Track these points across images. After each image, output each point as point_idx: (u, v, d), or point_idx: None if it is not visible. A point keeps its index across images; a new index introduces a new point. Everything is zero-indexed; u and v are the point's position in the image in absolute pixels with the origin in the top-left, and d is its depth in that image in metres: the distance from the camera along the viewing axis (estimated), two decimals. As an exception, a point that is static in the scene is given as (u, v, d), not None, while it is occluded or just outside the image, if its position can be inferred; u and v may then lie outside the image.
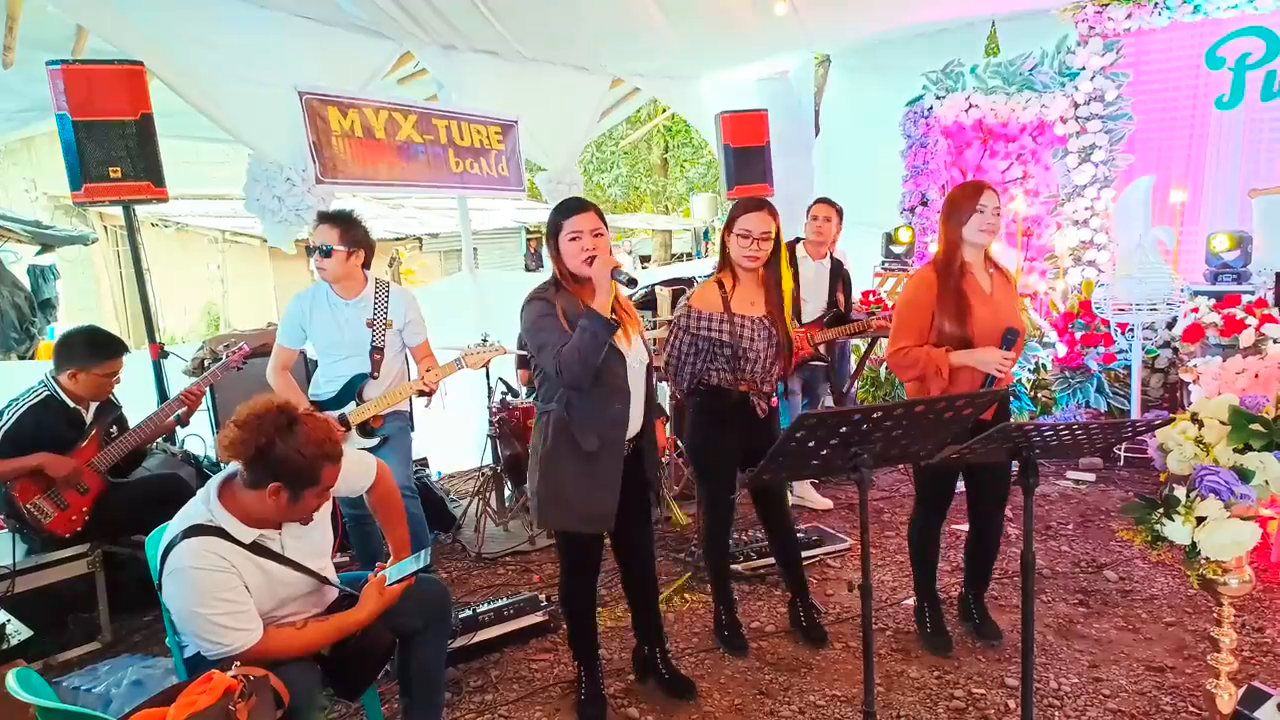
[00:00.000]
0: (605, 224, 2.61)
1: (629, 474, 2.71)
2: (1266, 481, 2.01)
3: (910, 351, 2.95)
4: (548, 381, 2.65)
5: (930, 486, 3.16)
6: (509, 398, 4.88)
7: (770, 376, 3.13)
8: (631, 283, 2.54)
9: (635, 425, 2.72)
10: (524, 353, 5.08)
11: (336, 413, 3.36)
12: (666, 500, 4.63)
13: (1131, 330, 5.13)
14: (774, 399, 3.20)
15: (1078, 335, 5.51)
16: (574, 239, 2.53)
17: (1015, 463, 2.16)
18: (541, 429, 2.69)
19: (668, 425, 2.78)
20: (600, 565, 2.87)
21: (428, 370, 3.45)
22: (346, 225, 3.34)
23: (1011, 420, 2.98)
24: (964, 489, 3.23)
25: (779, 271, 3.06)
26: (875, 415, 1.94)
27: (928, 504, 3.19)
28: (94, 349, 3.47)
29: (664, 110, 9.91)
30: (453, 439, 5.42)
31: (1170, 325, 5.29)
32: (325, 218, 3.37)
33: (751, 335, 3.02)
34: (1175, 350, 5.32)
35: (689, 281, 5.44)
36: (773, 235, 2.99)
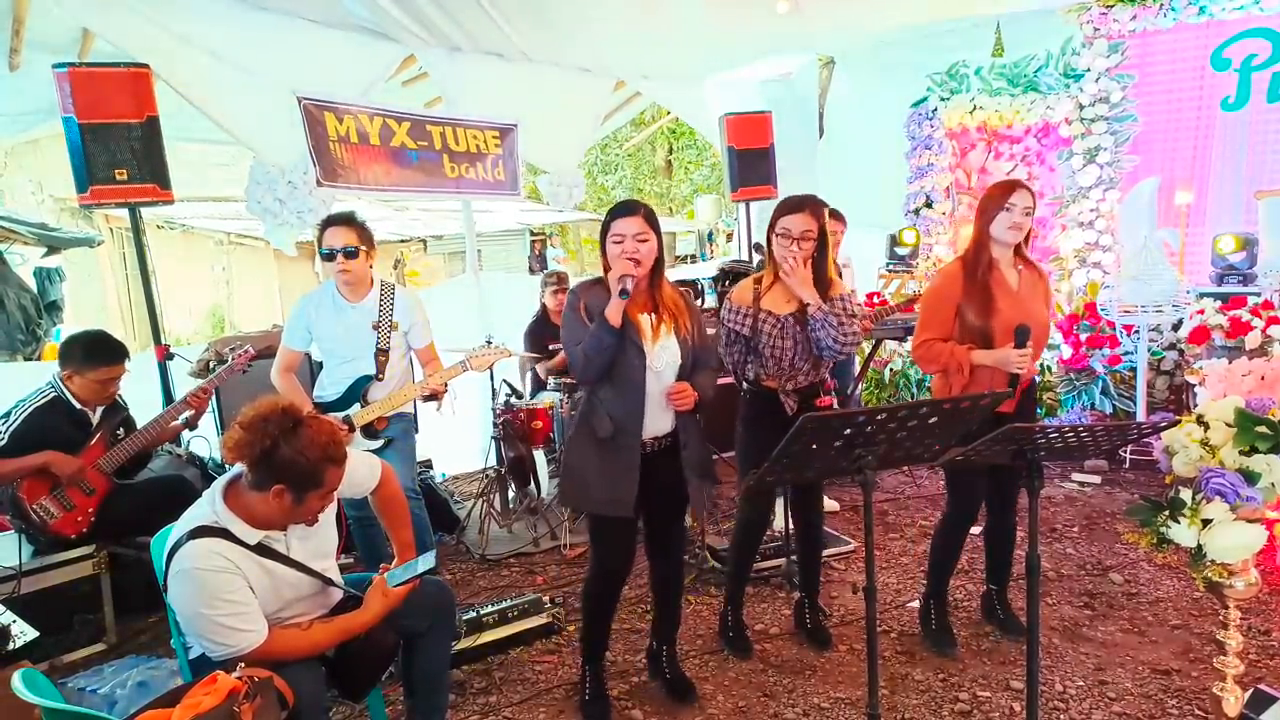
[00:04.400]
0: (654, 228, 2.65)
1: (660, 470, 2.72)
2: (1273, 484, 2.01)
3: (934, 345, 3.01)
4: None
5: (963, 486, 3.14)
6: (513, 400, 4.88)
7: (797, 375, 3.11)
8: (623, 294, 2.56)
9: (660, 424, 2.72)
10: (529, 354, 5.12)
11: (341, 414, 3.37)
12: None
13: (1137, 332, 5.12)
14: (825, 398, 3.17)
15: (1083, 337, 5.50)
16: (617, 241, 2.60)
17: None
18: (576, 412, 2.83)
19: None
20: (631, 565, 2.87)
21: (431, 374, 3.46)
22: (363, 226, 3.38)
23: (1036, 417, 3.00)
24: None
25: (824, 269, 3.05)
26: (879, 417, 1.94)
27: (959, 506, 3.17)
28: (91, 353, 3.46)
29: (667, 112, 9.90)
30: (457, 441, 5.43)
31: (1176, 327, 5.27)
32: (342, 220, 3.36)
33: (773, 331, 3.03)
34: (1181, 352, 5.30)
35: (693, 283, 5.44)
36: (815, 235, 2.99)
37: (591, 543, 2.88)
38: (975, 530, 3.39)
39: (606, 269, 2.67)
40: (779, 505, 3.81)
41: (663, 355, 2.68)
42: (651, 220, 2.64)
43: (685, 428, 2.77)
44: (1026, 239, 3.04)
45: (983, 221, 3.00)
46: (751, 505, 3.29)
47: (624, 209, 2.65)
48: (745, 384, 3.19)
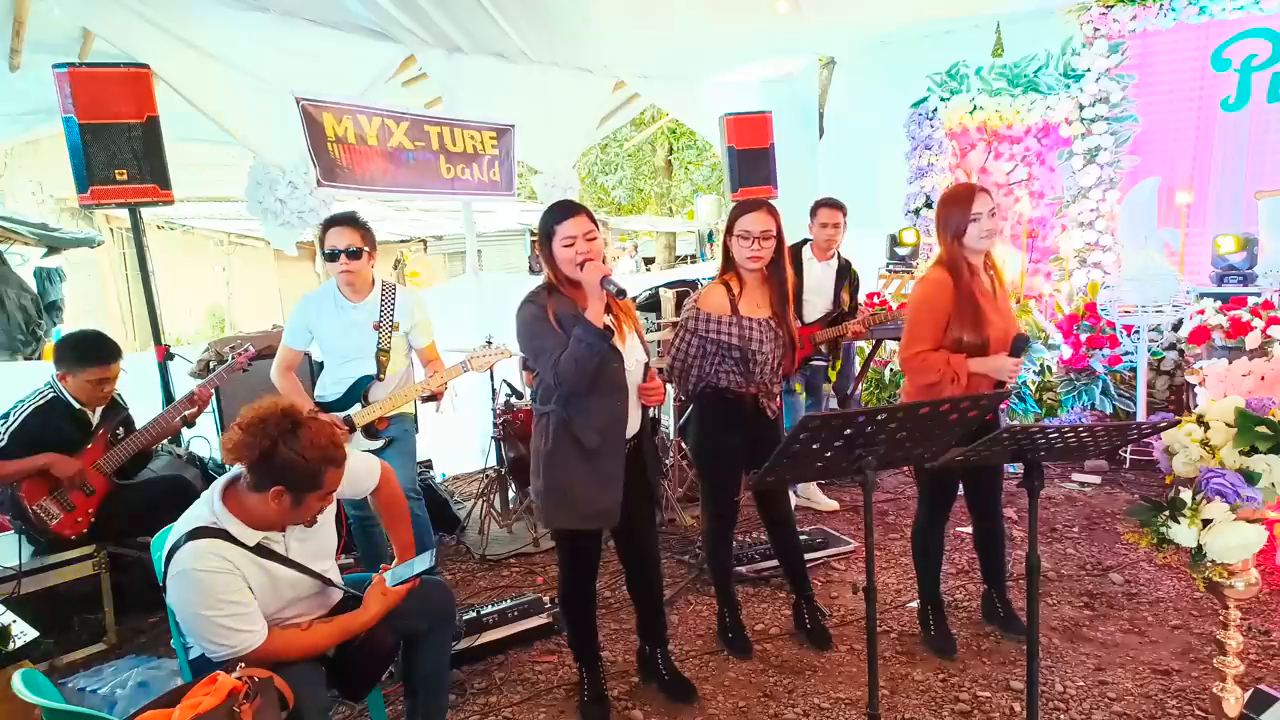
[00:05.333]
0: (596, 224, 2.61)
1: (631, 473, 2.71)
2: (1273, 484, 2.01)
3: (928, 357, 2.89)
4: (545, 384, 2.66)
5: (931, 487, 3.17)
6: (513, 400, 4.88)
7: (778, 377, 3.14)
8: (621, 293, 2.53)
9: (634, 423, 2.73)
10: (528, 355, 5.11)
11: (342, 414, 3.37)
12: (670, 502, 4.64)
13: (1137, 332, 5.12)
14: (778, 399, 3.20)
15: (1083, 337, 5.50)
16: (568, 244, 2.53)
17: (1019, 465, 2.16)
18: (542, 430, 2.70)
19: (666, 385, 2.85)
20: (599, 565, 2.88)
21: (432, 374, 3.47)
22: (365, 226, 3.39)
23: (1003, 422, 3.00)
24: (962, 491, 3.25)
25: (783, 271, 3.05)
26: (880, 417, 1.94)
27: (930, 505, 3.19)
28: (82, 354, 3.46)
29: (667, 113, 9.90)
30: (457, 441, 5.43)
31: (1176, 327, 5.27)
32: (345, 220, 3.36)
33: (760, 338, 3.02)
34: (1181, 352, 5.30)
35: (693, 284, 5.44)
36: (774, 234, 2.98)
37: (560, 550, 2.86)
38: (969, 531, 3.40)
39: (555, 273, 2.60)
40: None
41: (632, 355, 2.67)
42: (593, 218, 2.61)
43: (644, 425, 2.78)
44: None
45: (950, 237, 2.91)
46: (713, 513, 3.26)
47: (567, 210, 2.58)
48: (708, 392, 3.11)
